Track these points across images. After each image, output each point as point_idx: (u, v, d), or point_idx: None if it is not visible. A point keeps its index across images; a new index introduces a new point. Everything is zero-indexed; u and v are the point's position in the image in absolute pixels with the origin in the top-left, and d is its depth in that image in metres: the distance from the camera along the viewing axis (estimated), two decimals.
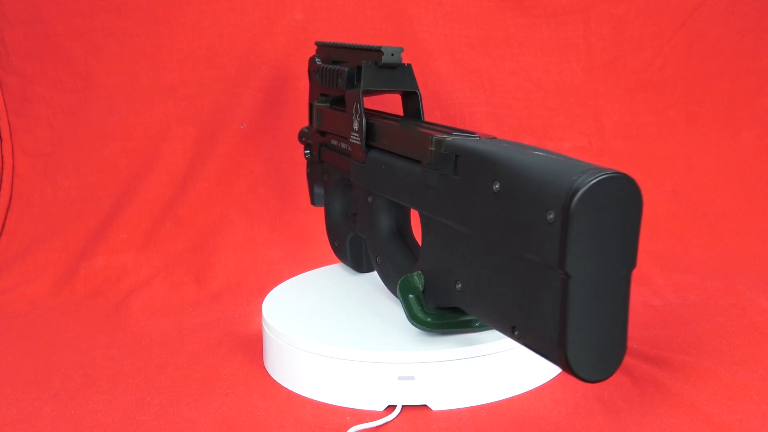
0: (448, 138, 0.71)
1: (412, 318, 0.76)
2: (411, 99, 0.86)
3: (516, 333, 0.62)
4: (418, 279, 0.76)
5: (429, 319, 0.76)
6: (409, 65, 0.85)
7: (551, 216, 0.56)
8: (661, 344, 0.87)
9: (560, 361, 0.57)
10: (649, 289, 1.03)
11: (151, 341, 0.95)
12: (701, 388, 0.78)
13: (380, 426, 0.74)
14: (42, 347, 0.95)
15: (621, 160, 1.24)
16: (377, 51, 0.84)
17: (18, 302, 1.08)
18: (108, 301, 1.08)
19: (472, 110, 1.21)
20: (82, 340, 0.96)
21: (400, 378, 0.76)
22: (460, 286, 0.70)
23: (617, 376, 0.81)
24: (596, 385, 0.80)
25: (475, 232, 0.66)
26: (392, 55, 0.84)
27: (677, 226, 1.18)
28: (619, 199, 0.55)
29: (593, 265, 0.56)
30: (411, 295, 0.76)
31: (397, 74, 0.85)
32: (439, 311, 0.76)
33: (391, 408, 0.76)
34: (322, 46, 0.98)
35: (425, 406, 0.76)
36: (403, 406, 0.76)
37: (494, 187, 0.63)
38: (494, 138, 0.70)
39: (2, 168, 1.23)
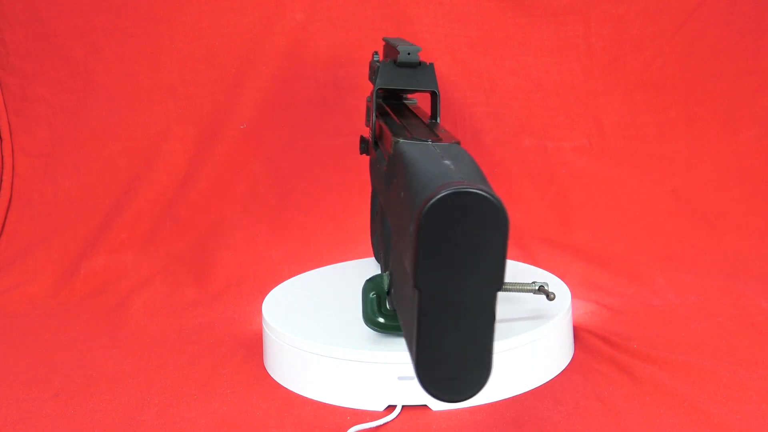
0: (400, 141, 0.70)
1: (364, 317, 0.76)
2: (433, 99, 0.86)
3: (408, 346, 0.61)
4: (386, 279, 0.76)
5: (380, 320, 0.76)
6: (431, 64, 0.84)
7: (411, 228, 0.54)
8: (661, 344, 0.87)
9: (417, 377, 0.55)
10: (649, 289, 1.03)
11: (151, 341, 0.95)
12: (701, 388, 0.78)
13: (380, 426, 0.74)
14: (42, 347, 0.95)
15: (621, 160, 1.24)
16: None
17: (18, 302, 1.08)
18: (108, 301, 1.08)
19: (473, 110, 1.21)
20: (82, 340, 0.96)
21: (400, 378, 0.76)
22: (393, 290, 0.70)
23: (617, 376, 0.81)
24: (596, 384, 0.80)
25: (395, 237, 0.66)
26: (408, 54, 0.83)
27: (677, 226, 1.18)
28: (475, 216, 0.52)
29: (447, 282, 0.53)
30: (372, 295, 0.76)
31: (416, 73, 0.84)
32: (396, 314, 0.75)
33: (391, 408, 0.76)
34: (385, 43, 0.98)
35: (425, 406, 0.76)
36: (403, 406, 0.76)
37: (400, 195, 0.62)
38: (452, 144, 0.69)
39: (2, 168, 1.23)
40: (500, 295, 0.81)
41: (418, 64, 0.84)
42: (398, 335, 0.78)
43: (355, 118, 1.20)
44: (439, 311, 0.54)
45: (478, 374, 0.55)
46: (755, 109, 1.26)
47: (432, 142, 0.70)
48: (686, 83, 1.25)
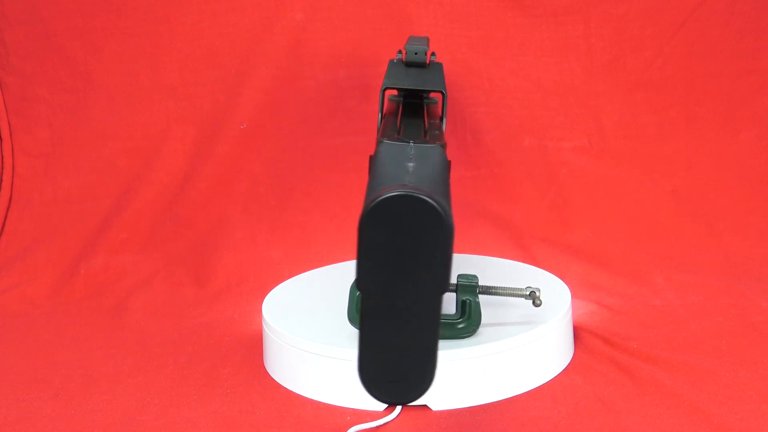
0: (383, 141, 0.70)
1: (348, 316, 0.76)
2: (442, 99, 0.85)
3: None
4: None
5: None
6: (440, 64, 0.84)
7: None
8: (661, 344, 0.87)
9: (360, 378, 0.55)
10: (649, 289, 1.03)
11: (151, 341, 0.95)
12: (701, 388, 0.78)
13: (380, 426, 0.74)
14: (42, 347, 0.95)
15: (621, 160, 1.24)
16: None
17: (18, 302, 1.08)
18: (108, 301, 1.08)
19: (473, 110, 1.21)
20: (82, 340, 0.96)
21: None
22: None
23: (617, 376, 0.81)
24: (596, 384, 0.80)
25: None
26: (415, 54, 0.83)
27: (677, 226, 1.18)
28: (416, 220, 0.52)
29: (389, 285, 0.53)
30: (358, 294, 0.76)
31: (424, 73, 0.84)
32: None
33: (391, 408, 0.76)
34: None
35: (425, 406, 0.76)
36: (403, 406, 0.76)
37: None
38: (432, 146, 0.69)
39: (2, 168, 1.23)
40: (500, 296, 0.82)
41: (427, 64, 0.84)
42: None
43: (355, 118, 1.20)
44: (382, 313, 0.54)
45: (420, 378, 0.55)
46: (755, 109, 1.26)
47: (413, 143, 0.70)
48: (686, 83, 1.24)
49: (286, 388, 0.81)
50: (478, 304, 0.78)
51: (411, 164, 0.60)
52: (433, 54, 0.98)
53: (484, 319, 0.81)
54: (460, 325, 0.77)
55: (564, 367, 0.83)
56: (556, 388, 0.80)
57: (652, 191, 1.22)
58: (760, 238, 1.16)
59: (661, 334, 0.90)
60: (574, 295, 0.92)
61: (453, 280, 0.79)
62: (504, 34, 1.21)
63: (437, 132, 0.77)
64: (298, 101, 1.21)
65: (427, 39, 0.98)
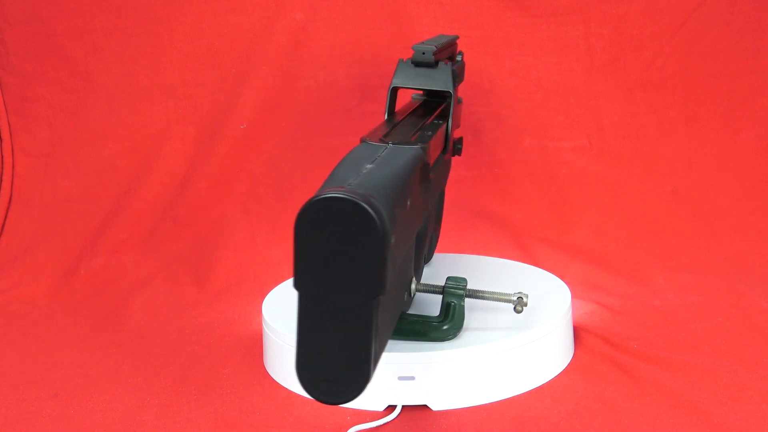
0: (363, 140, 0.71)
1: None
2: (448, 99, 0.85)
3: None
4: None
5: None
6: (449, 65, 0.84)
7: None
8: (661, 344, 0.87)
9: (297, 376, 0.56)
10: (649, 289, 1.03)
11: (151, 341, 0.95)
12: (701, 388, 0.78)
13: (380, 426, 0.74)
14: (42, 347, 0.95)
15: (621, 160, 1.24)
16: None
17: (18, 302, 1.08)
18: (108, 301, 1.08)
19: (472, 110, 1.21)
20: (82, 340, 0.96)
21: (400, 378, 0.76)
22: None
23: (617, 376, 0.81)
24: (596, 384, 0.80)
25: None
26: (423, 54, 0.83)
27: (677, 226, 1.18)
28: (349, 222, 0.52)
29: (324, 285, 0.54)
30: None
31: (433, 73, 0.84)
32: None
33: (391, 408, 0.76)
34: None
35: (425, 406, 0.76)
36: (403, 406, 0.76)
37: None
38: (409, 147, 0.69)
39: (2, 168, 1.23)
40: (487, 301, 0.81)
41: (435, 64, 0.84)
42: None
43: (355, 118, 1.20)
44: (317, 313, 0.54)
45: (355, 379, 0.55)
46: (755, 109, 1.26)
47: (392, 143, 0.70)
48: (686, 83, 1.25)
49: (286, 388, 0.81)
50: (462, 308, 0.78)
51: (369, 166, 0.61)
52: (460, 53, 0.98)
53: (484, 319, 0.81)
54: (442, 328, 0.77)
55: (564, 367, 0.83)
56: (556, 388, 0.80)
57: (652, 191, 1.22)
58: (760, 238, 1.16)
59: (661, 334, 0.90)
60: (574, 295, 0.92)
61: (442, 281, 0.79)
62: (504, 34, 1.21)
63: (429, 133, 0.77)
64: (298, 101, 1.21)
65: (454, 38, 0.97)
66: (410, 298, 0.78)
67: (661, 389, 0.78)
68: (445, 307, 0.78)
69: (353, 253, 0.53)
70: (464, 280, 0.79)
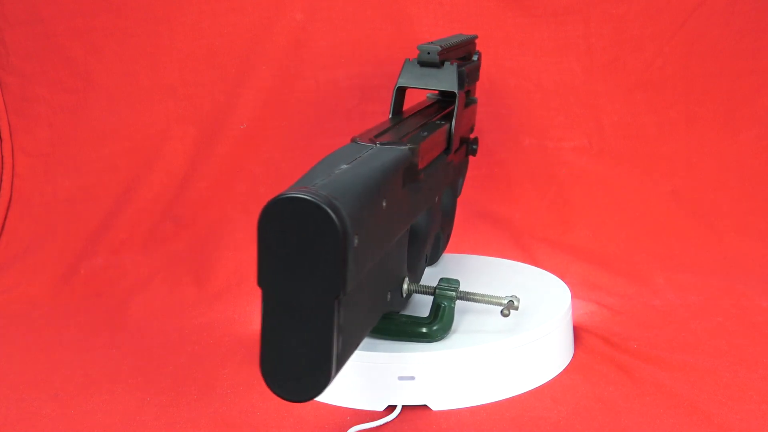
0: (353, 140, 0.71)
1: None
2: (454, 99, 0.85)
3: None
4: None
5: None
6: (455, 65, 0.84)
7: None
8: (661, 344, 0.87)
9: (262, 374, 0.56)
10: (649, 289, 1.03)
11: (151, 341, 0.95)
12: (701, 388, 0.78)
13: (380, 426, 0.74)
14: (42, 347, 0.95)
15: (621, 160, 1.24)
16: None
17: (18, 302, 1.08)
18: (108, 301, 1.08)
19: None
20: (82, 340, 0.96)
21: (400, 378, 0.76)
22: None
23: (617, 376, 0.81)
24: (596, 384, 0.80)
25: None
26: (428, 53, 0.83)
27: (677, 226, 1.18)
28: (308, 222, 0.53)
29: (285, 284, 0.55)
30: None
31: (438, 73, 0.84)
32: None
33: (391, 408, 0.76)
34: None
35: (425, 406, 0.76)
36: (403, 406, 0.76)
37: None
38: (390, 147, 0.70)
39: (2, 168, 1.23)
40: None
41: (441, 64, 0.83)
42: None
43: (355, 118, 1.20)
44: (280, 311, 0.55)
45: (316, 377, 0.55)
46: (755, 109, 1.26)
47: (380, 144, 0.71)
48: (686, 83, 1.25)
49: None
50: (452, 310, 0.78)
51: (345, 166, 0.62)
52: (476, 53, 0.97)
53: (484, 320, 0.81)
54: (428, 329, 0.77)
55: (564, 367, 0.83)
56: (556, 388, 0.80)
57: (652, 191, 1.22)
58: (760, 238, 1.16)
59: (661, 334, 0.90)
60: (574, 295, 0.92)
61: (434, 283, 0.79)
62: (504, 34, 1.21)
63: (424, 134, 0.77)
64: (298, 101, 1.21)
65: (472, 37, 0.97)
66: (403, 298, 0.78)
67: (661, 389, 0.78)
68: (435, 309, 0.78)
69: (313, 253, 0.54)
70: (457, 281, 0.78)
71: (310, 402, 0.78)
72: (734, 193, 1.22)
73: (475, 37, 0.99)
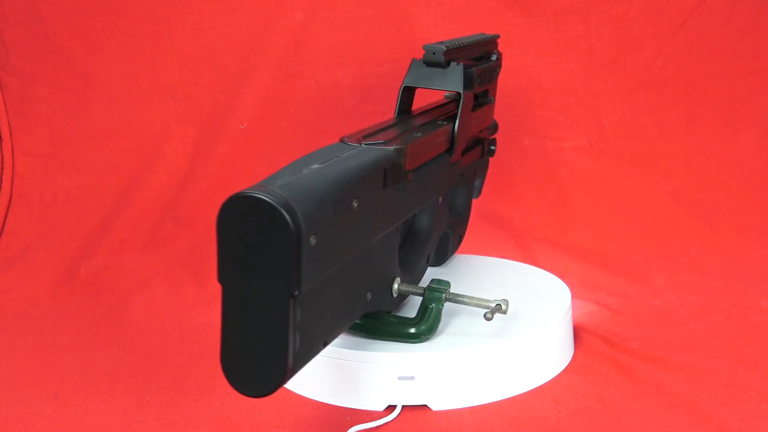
0: (342, 139, 0.72)
1: None
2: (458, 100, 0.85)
3: None
4: None
5: None
6: (461, 65, 0.83)
7: None
8: (661, 344, 0.87)
9: (222, 368, 0.57)
10: (649, 289, 1.03)
11: (151, 341, 0.95)
12: (701, 388, 0.78)
13: (380, 426, 0.74)
14: (42, 347, 0.95)
15: (621, 160, 1.24)
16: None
17: (18, 302, 1.08)
18: (108, 301, 1.08)
19: None
20: (82, 340, 0.96)
21: (400, 378, 0.76)
22: None
23: (617, 376, 0.81)
24: (596, 384, 0.80)
25: None
26: (433, 53, 0.83)
27: (677, 226, 1.18)
28: (262, 221, 0.54)
29: (243, 281, 0.55)
30: None
31: (444, 73, 0.84)
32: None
33: (391, 408, 0.76)
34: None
35: (425, 406, 0.76)
36: (403, 406, 0.76)
37: None
38: (371, 148, 0.70)
39: (2, 168, 1.23)
40: (495, 295, 0.82)
41: (446, 64, 0.83)
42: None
43: (355, 118, 1.20)
44: (239, 307, 0.56)
45: (272, 374, 0.56)
46: (755, 109, 1.26)
47: (365, 143, 0.71)
48: (686, 83, 1.25)
49: (286, 388, 0.81)
50: (439, 311, 0.77)
51: (317, 165, 0.62)
52: (495, 53, 0.96)
53: (485, 320, 0.80)
54: (414, 330, 0.77)
55: (564, 367, 0.83)
56: (556, 388, 0.80)
57: (652, 191, 1.22)
58: (760, 238, 1.16)
59: (661, 334, 0.90)
60: (574, 295, 0.92)
61: (424, 284, 0.80)
62: (504, 34, 1.21)
63: (418, 134, 0.77)
64: (298, 101, 1.21)
65: (490, 37, 0.96)
66: (394, 298, 0.78)
67: (661, 389, 0.78)
68: (423, 310, 0.78)
69: (268, 252, 0.54)
70: (447, 283, 0.78)
71: (310, 402, 0.78)
72: (734, 193, 1.22)
73: (496, 36, 0.98)
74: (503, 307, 0.76)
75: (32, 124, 1.23)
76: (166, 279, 1.12)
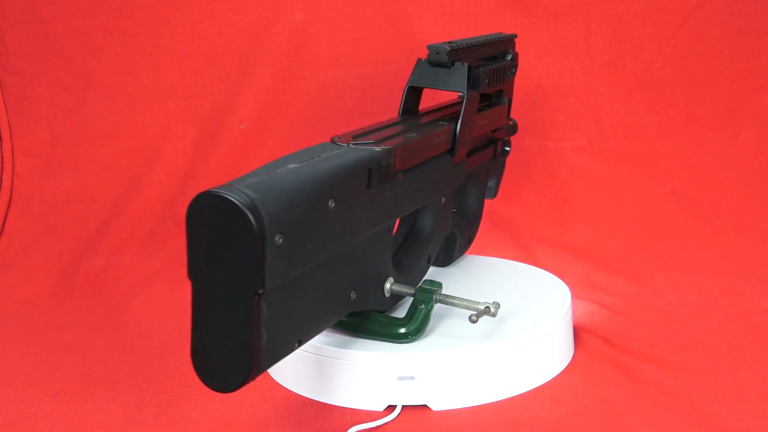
0: (335, 138, 0.73)
1: None
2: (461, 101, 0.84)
3: None
4: None
5: None
6: (465, 65, 0.83)
7: None
8: (661, 344, 0.87)
9: (192, 362, 0.58)
10: (649, 289, 1.03)
11: (151, 341, 0.95)
12: (701, 388, 0.78)
13: (380, 426, 0.74)
14: (42, 347, 0.95)
15: (621, 160, 1.24)
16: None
17: (18, 302, 1.08)
18: (108, 301, 1.08)
19: None
20: (82, 340, 0.96)
21: (400, 378, 0.76)
22: None
23: (617, 376, 0.81)
24: (596, 385, 0.80)
25: None
26: (437, 53, 0.83)
27: (677, 226, 1.18)
28: (226, 219, 0.55)
29: (210, 278, 0.56)
30: None
31: (448, 73, 0.84)
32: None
33: (391, 408, 0.76)
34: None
35: (425, 406, 0.76)
36: (403, 406, 0.76)
37: None
38: (353, 148, 0.70)
39: (2, 168, 1.23)
40: (495, 295, 0.82)
41: (451, 64, 0.83)
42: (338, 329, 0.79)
43: (355, 118, 1.20)
44: (207, 303, 0.57)
45: (238, 370, 0.57)
46: (755, 109, 1.26)
47: (352, 143, 0.71)
48: (686, 83, 1.25)
49: (286, 388, 0.81)
50: (428, 312, 0.77)
51: (294, 165, 0.63)
52: (509, 53, 0.95)
53: (484, 320, 0.80)
54: (400, 330, 0.77)
55: (564, 367, 0.83)
56: (556, 388, 0.80)
57: (652, 191, 1.22)
58: (760, 238, 1.16)
59: (661, 334, 0.90)
60: (574, 295, 0.92)
61: (438, 283, 0.80)
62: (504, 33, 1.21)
63: (412, 135, 0.77)
64: (298, 101, 1.21)
65: (505, 36, 0.96)
66: (386, 297, 0.78)
67: (661, 389, 0.78)
68: (412, 310, 0.78)
69: (233, 250, 0.55)
70: (439, 284, 0.78)
71: (310, 402, 0.78)
72: (734, 193, 1.22)
73: (512, 36, 0.97)
74: (492, 309, 0.76)
75: (32, 124, 1.23)
76: (166, 279, 1.12)
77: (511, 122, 1.01)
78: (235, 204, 0.55)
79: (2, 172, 1.23)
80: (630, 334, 0.90)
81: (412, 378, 0.75)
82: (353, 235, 0.69)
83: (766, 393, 0.77)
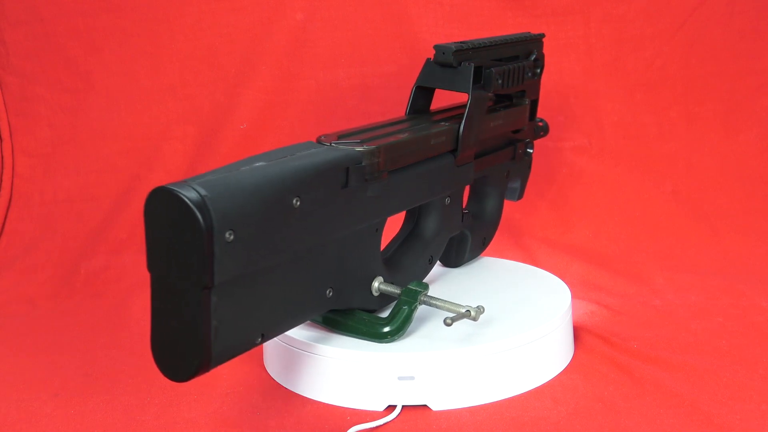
0: (320, 138, 0.74)
1: None
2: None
3: None
4: None
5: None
6: (470, 66, 0.83)
7: None
8: (661, 344, 0.87)
9: (152, 353, 0.61)
10: (649, 289, 1.03)
11: None
12: (701, 388, 0.78)
13: (380, 426, 0.74)
14: (42, 347, 0.95)
15: (621, 160, 1.24)
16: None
17: (18, 302, 1.08)
18: (108, 301, 1.08)
19: None
20: (82, 340, 0.96)
21: (400, 378, 0.76)
22: None
23: (617, 376, 0.81)
24: (596, 385, 0.80)
25: None
26: (443, 53, 0.83)
27: (677, 226, 1.18)
28: (177, 214, 0.57)
29: (165, 271, 0.58)
30: None
31: (454, 73, 0.83)
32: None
33: (391, 408, 0.76)
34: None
35: (425, 406, 0.76)
36: (403, 406, 0.76)
37: None
38: (335, 147, 0.71)
39: (2, 168, 1.23)
40: (495, 295, 0.82)
41: (457, 64, 0.83)
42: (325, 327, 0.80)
43: (355, 118, 1.20)
44: (163, 295, 0.59)
45: (190, 361, 0.60)
46: (755, 109, 1.26)
47: (334, 143, 0.72)
48: (686, 83, 1.25)
49: (286, 388, 0.81)
50: (410, 313, 0.77)
51: (260, 163, 0.64)
52: (533, 54, 0.95)
53: (483, 319, 0.80)
54: (382, 329, 0.77)
55: (564, 367, 0.83)
56: (556, 388, 0.80)
57: (652, 191, 1.22)
58: (760, 238, 1.16)
59: (661, 334, 0.90)
60: (574, 295, 0.92)
61: (437, 283, 0.79)
62: (504, 34, 1.21)
63: (404, 135, 0.77)
64: (298, 101, 1.21)
65: (531, 36, 0.95)
66: (374, 297, 0.78)
67: (661, 389, 0.78)
68: (395, 311, 0.77)
69: (183, 245, 0.57)
70: (426, 285, 0.78)
71: (310, 402, 0.78)
72: (734, 193, 1.22)
73: (538, 36, 0.96)
74: (472, 313, 0.75)
75: (32, 124, 1.23)
76: None
77: (541, 123, 1.00)
78: (183, 200, 0.56)
79: (2, 172, 1.23)
80: (630, 334, 0.90)
81: (412, 378, 0.75)
82: (325, 233, 0.69)
83: (766, 393, 0.77)
